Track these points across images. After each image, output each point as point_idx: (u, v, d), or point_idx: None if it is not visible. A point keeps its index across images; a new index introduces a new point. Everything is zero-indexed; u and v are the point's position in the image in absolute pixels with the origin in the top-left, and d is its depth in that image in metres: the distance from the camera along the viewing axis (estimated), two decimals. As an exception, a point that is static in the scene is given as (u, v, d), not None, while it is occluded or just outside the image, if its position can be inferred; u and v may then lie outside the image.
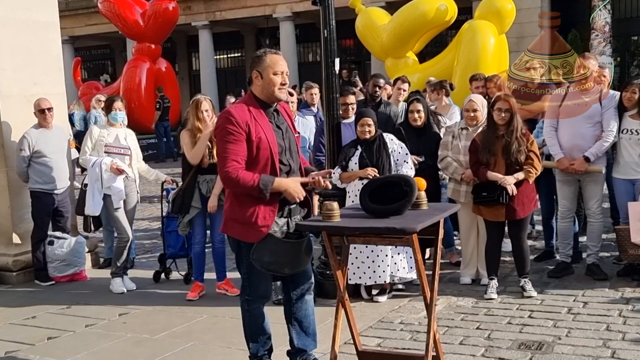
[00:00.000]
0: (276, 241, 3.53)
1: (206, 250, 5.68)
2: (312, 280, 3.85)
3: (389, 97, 7.12)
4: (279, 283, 4.64)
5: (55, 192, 6.18)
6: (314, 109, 7.38)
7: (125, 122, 6.18)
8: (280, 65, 3.50)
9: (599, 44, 16.02)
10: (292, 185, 3.51)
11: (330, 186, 3.75)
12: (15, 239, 6.38)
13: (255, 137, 3.46)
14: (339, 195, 5.26)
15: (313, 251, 3.82)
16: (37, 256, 6.24)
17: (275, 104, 3.63)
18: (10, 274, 6.30)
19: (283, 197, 3.57)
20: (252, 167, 3.49)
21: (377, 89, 6.61)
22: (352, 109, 5.90)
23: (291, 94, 6.14)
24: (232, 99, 9.50)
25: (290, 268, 3.65)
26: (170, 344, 4.54)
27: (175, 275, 6.21)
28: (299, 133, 3.81)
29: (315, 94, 7.38)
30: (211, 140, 5.41)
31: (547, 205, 6.17)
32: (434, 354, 3.63)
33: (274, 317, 3.93)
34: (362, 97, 7.55)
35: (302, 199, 3.55)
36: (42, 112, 6.08)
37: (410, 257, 5.04)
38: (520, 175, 5.11)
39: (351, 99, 5.95)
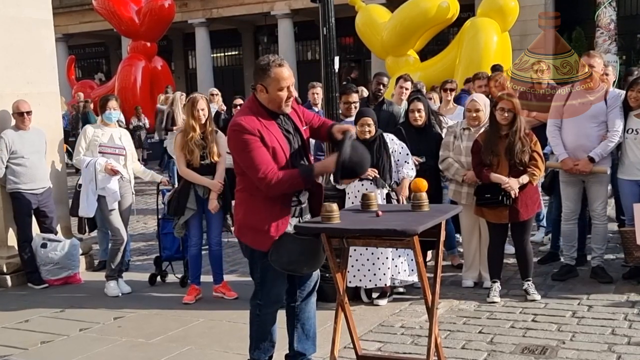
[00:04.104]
0: (294, 240, 3.48)
1: (203, 252, 5.60)
2: (317, 280, 3.82)
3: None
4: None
5: (34, 192, 6.11)
6: (316, 109, 7.31)
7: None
8: (285, 81, 3.42)
9: (604, 41, 15.96)
10: (327, 164, 3.52)
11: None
12: (8, 241, 6.29)
13: (270, 145, 3.42)
14: (338, 196, 5.19)
15: None
16: (23, 258, 6.17)
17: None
18: (3, 276, 6.23)
19: (297, 199, 3.54)
20: None
21: (381, 87, 6.53)
22: (355, 107, 5.82)
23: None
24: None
25: (309, 267, 3.61)
26: (166, 348, 4.48)
27: (171, 278, 6.13)
28: (306, 125, 3.70)
29: (317, 94, 7.32)
30: (205, 139, 5.33)
31: (560, 206, 5.98)
32: (436, 358, 3.60)
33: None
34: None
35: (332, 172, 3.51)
36: (20, 115, 6.03)
37: (411, 260, 4.98)
38: (524, 179, 5.04)
39: (354, 97, 5.85)
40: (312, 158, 3.74)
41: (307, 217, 3.65)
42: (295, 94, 3.55)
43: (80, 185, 5.93)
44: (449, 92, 7.18)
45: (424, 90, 8.72)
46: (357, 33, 13.45)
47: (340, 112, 5.67)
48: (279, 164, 3.42)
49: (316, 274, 3.79)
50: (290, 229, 3.52)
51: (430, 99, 7.90)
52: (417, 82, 8.81)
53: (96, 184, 5.74)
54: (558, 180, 5.78)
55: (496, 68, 8.08)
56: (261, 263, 3.55)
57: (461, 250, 6.06)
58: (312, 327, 3.80)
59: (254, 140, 3.37)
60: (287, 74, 3.42)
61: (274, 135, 3.44)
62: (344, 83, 7.94)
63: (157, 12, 18.33)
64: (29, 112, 6.04)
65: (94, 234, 7.01)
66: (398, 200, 5.16)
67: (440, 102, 7.79)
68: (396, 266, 5.13)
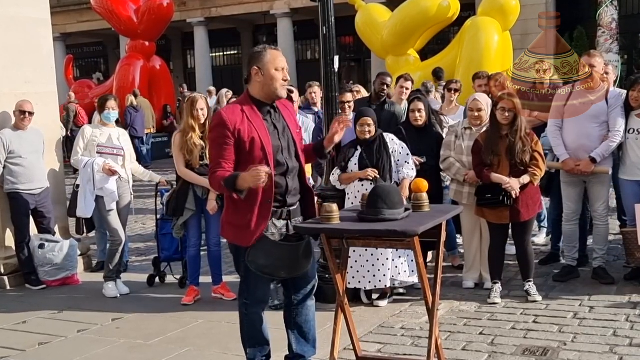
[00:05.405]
0: (272, 244, 3.47)
1: (202, 253, 5.58)
2: (315, 284, 3.78)
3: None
4: (273, 286, 4.58)
5: (32, 192, 6.09)
6: (315, 108, 7.29)
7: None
8: (281, 61, 3.44)
9: (605, 41, 15.90)
10: (246, 175, 3.28)
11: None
12: (6, 241, 6.26)
13: (247, 138, 3.40)
14: (338, 196, 5.17)
15: (314, 254, 3.72)
16: (21, 259, 6.14)
17: (273, 102, 3.53)
18: (0, 277, 6.19)
19: (283, 199, 3.49)
20: (246, 168, 3.41)
21: (385, 87, 6.52)
22: (350, 107, 5.82)
23: (291, 92, 6.05)
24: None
25: (287, 272, 3.58)
26: (165, 349, 4.46)
27: (170, 279, 6.10)
28: (300, 129, 3.70)
29: (315, 93, 7.30)
30: (205, 139, 5.32)
31: (558, 206, 5.97)
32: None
33: (272, 322, 3.85)
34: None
35: (264, 178, 3.26)
36: (22, 113, 6.00)
37: (412, 261, 4.95)
38: (525, 179, 5.01)
39: (348, 97, 5.86)
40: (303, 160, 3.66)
41: (299, 219, 3.59)
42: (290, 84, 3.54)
43: (78, 186, 5.91)
44: (453, 92, 7.15)
45: (433, 90, 8.70)
46: (357, 32, 13.41)
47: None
48: (256, 156, 3.40)
49: (314, 278, 3.75)
50: (275, 231, 3.47)
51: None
52: (426, 82, 8.81)
53: (94, 184, 5.72)
54: (555, 181, 5.76)
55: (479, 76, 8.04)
56: (244, 261, 3.54)
57: (462, 251, 6.03)
58: (311, 330, 3.77)
59: (225, 137, 3.40)
60: (282, 56, 3.46)
61: (255, 127, 3.41)
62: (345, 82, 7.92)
63: (155, 11, 18.27)
64: (31, 113, 6.02)
65: (92, 234, 7.00)
66: (398, 201, 5.13)
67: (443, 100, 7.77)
68: (396, 267, 5.10)
